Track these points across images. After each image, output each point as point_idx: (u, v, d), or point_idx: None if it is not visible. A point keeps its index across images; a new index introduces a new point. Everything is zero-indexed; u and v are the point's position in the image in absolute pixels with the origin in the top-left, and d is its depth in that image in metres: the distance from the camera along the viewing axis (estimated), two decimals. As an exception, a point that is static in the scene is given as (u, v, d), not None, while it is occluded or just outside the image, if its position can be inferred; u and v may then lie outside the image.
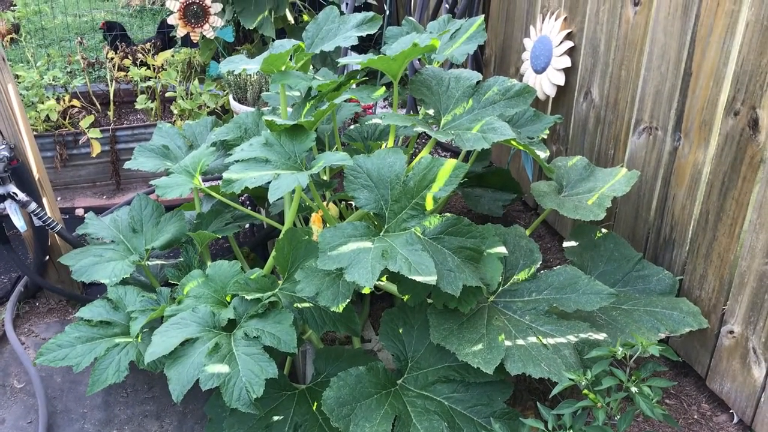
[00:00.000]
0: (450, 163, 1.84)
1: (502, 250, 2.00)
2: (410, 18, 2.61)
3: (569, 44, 2.72)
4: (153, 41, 4.44)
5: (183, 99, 3.66)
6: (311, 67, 2.56)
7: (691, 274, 2.17)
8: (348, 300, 1.82)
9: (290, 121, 2.01)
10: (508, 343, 1.85)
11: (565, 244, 2.36)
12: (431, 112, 2.23)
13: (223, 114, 3.81)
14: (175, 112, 3.66)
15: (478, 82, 2.23)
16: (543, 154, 2.18)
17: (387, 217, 1.94)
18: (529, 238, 2.14)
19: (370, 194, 1.95)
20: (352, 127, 2.62)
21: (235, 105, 3.49)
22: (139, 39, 5.22)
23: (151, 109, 3.81)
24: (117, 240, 2.46)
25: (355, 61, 2.14)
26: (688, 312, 2.07)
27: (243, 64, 2.36)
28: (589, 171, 2.39)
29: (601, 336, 1.93)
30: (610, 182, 2.27)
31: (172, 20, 3.76)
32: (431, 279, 1.69)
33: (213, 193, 2.43)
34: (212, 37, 3.81)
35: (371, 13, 2.38)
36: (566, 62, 2.73)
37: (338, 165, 1.90)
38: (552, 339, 1.88)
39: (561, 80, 2.77)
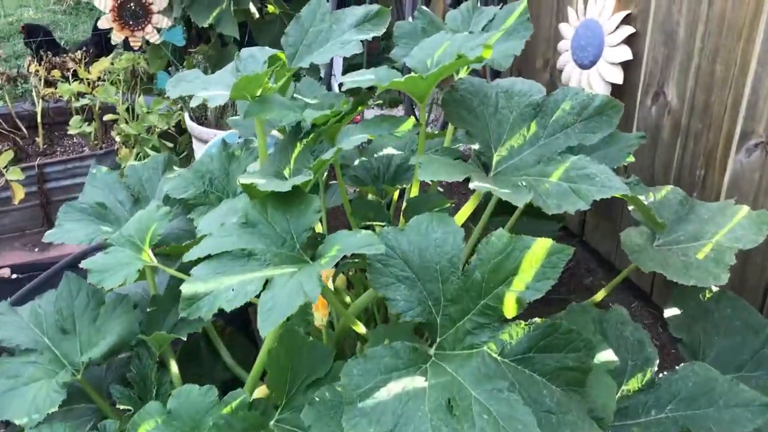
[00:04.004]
0: (542, 246, 1.17)
1: (610, 357, 1.34)
2: (424, 8, 1.92)
3: (629, 30, 2.06)
4: (86, 48, 3.66)
5: (127, 122, 2.92)
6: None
7: None
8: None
9: (281, 186, 1.30)
10: None
11: (667, 313, 1.70)
12: (477, 146, 1.55)
13: (179, 135, 3.08)
14: (118, 139, 2.92)
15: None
16: (647, 200, 1.53)
17: (439, 324, 1.27)
18: (636, 324, 1.49)
19: (410, 292, 1.27)
20: (356, 162, 1.90)
21: (192, 126, 2.77)
22: (74, 42, 4.43)
23: (89, 133, 3.07)
24: (40, 347, 1.74)
25: (366, 80, 1.44)
26: None
27: (201, 89, 1.66)
28: (688, 207, 1.74)
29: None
30: (726, 226, 1.62)
31: (104, 23, 3.00)
32: (538, 453, 1.03)
33: (172, 272, 1.74)
34: (158, 42, 3.06)
35: (375, 6, 1.69)
36: (625, 54, 2.08)
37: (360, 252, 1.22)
38: (699, 491, 1.25)
39: (618, 77, 2.11)
